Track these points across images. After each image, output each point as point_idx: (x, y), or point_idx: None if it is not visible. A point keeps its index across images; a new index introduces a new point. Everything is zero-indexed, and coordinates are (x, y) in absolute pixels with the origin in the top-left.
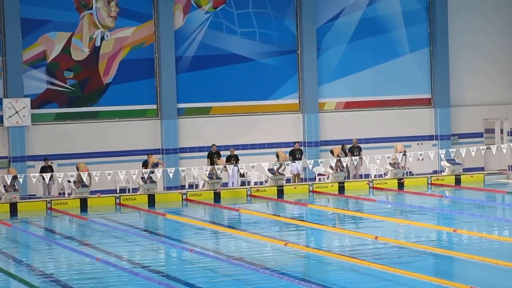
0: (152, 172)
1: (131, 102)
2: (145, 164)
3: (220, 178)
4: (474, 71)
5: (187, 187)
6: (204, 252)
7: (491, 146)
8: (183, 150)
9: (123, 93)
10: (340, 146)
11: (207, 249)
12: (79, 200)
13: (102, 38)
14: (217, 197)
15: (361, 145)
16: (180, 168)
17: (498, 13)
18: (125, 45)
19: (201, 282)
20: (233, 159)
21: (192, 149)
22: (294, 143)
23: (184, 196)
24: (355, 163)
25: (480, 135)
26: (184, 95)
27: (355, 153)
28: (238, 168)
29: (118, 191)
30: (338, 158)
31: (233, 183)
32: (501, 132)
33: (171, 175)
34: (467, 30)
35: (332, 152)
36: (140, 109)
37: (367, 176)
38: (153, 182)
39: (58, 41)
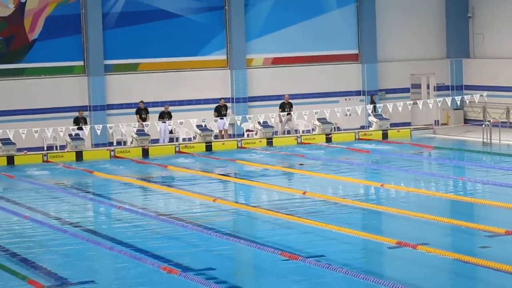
0: (80, 129)
1: (57, 59)
2: (76, 121)
3: (148, 135)
4: (401, 27)
5: (115, 144)
6: (133, 209)
7: (417, 101)
8: (111, 107)
9: (50, 49)
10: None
11: (136, 205)
12: (5, 158)
13: None
14: (145, 153)
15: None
16: (108, 125)
17: None
18: (51, 1)
19: (130, 238)
20: (166, 116)
21: (120, 106)
22: (220, 99)
23: (112, 153)
24: (285, 119)
25: (407, 90)
26: (111, 51)
27: (286, 109)
28: (166, 125)
29: (45, 149)
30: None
31: (164, 139)
32: (428, 87)
33: (98, 132)
34: None
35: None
36: (67, 65)
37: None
38: (80, 139)
39: None
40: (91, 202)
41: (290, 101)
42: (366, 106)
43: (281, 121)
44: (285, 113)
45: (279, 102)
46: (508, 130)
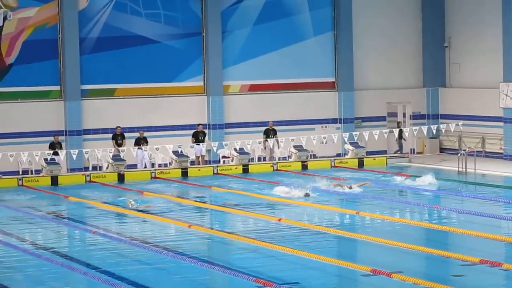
0: (56, 154)
1: (34, 83)
2: (51, 146)
3: (124, 160)
4: (378, 55)
5: (90, 169)
6: (108, 234)
7: (393, 130)
8: (87, 132)
9: (26, 74)
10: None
11: (111, 231)
12: None
13: (5, 18)
14: (121, 179)
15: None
16: (84, 150)
17: None
18: (28, 25)
19: (105, 264)
20: (142, 142)
21: (96, 131)
22: (198, 125)
23: (88, 178)
24: (271, 145)
25: (383, 118)
26: (88, 76)
27: (270, 136)
28: (142, 151)
29: (20, 173)
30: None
31: (145, 165)
32: (404, 116)
33: (74, 156)
34: (370, 15)
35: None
36: (43, 90)
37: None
38: (56, 163)
39: None
40: (65, 227)
41: (274, 127)
42: (342, 134)
43: (265, 147)
44: (271, 139)
45: (256, 128)
46: (483, 159)
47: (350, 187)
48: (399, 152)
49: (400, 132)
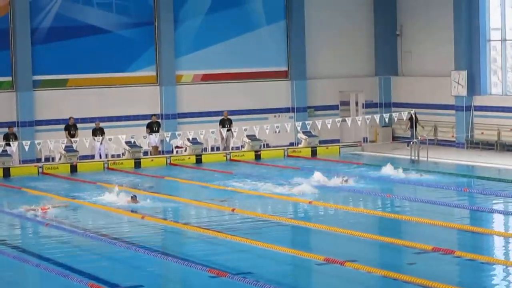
0: (8, 145)
1: None
2: (5, 137)
3: (77, 151)
4: (330, 44)
5: (43, 160)
6: (61, 226)
7: (346, 118)
8: (39, 123)
9: None
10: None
11: (64, 222)
12: None
13: None
14: (73, 170)
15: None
16: (36, 141)
17: None
18: None
19: (58, 256)
20: (98, 133)
21: (48, 122)
22: (151, 115)
23: (40, 169)
24: (225, 135)
25: (336, 107)
26: (40, 67)
27: (226, 126)
28: (95, 141)
29: None
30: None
31: (100, 155)
32: (356, 104)
33: (26, 148)
34: (323, 3)
35: None
36: None
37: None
38: (8, 155)
39: None
40: (18, 219)
41: (229, 117)
42: (295, 123)
43: (222, 138)
44: (225, 129)
45: (209, 118)
46: (436, 147)
47: (346, 181)
48: (423, 139)
49: (411, 120)
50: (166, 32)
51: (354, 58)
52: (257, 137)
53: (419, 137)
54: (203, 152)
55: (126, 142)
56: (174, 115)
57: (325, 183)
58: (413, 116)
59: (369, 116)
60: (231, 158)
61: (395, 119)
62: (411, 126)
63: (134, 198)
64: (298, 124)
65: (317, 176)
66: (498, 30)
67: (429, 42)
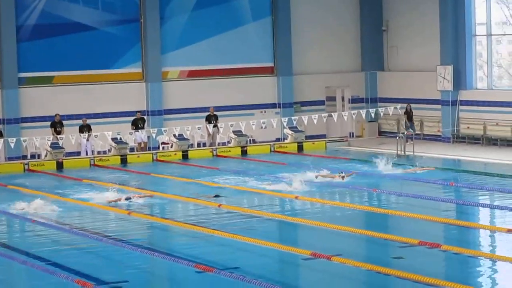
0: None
1: None
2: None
3: (63, 148)
4: (316, 39)
5: (29, 157)
6: (47, 223)
7: (332, 114)
8: (25, 120)
9: None
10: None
11: (50, 219)
12: None
13: None
14: (59, 166)
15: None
16: (22, 138)
17: None
18: None
19: (44, 252)
20: (85, 129)
21: (34, 119)
22: (136, 112)
23: (26, 166)
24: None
25: (322, 103)
26: (25, 64)
27: (212, 122)
28: (81, 137)
29: None
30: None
31: (86, 152)
32: (342, 99)
33: (12, 145)
34: (309, 0)
35: None
36: None
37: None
38: None
39: None
40: (4, 216)
41: (215, 113)
42: (281, 118)
43: (209, 134)
44: (212, 125)
45: (195, 114)
46: (422, 142)
47: (343, 177)
48: (409, 134)
49: (407, 113)
50: (152, 29)
51: (340, 54)
52: (243, 133)
53: (406, 132)
54: (190, 148)
55: (112, 139)
56: (160, 111)
57: (323, 179)
58: (410, 110)
59: (355, 111)
60: (218, 154)
61: (381, 114)
62: (408, 119)
63: (128, 199)
64: (285, 120)
65: (321, 172)
66: (484, 25)
67: (415, 37)
